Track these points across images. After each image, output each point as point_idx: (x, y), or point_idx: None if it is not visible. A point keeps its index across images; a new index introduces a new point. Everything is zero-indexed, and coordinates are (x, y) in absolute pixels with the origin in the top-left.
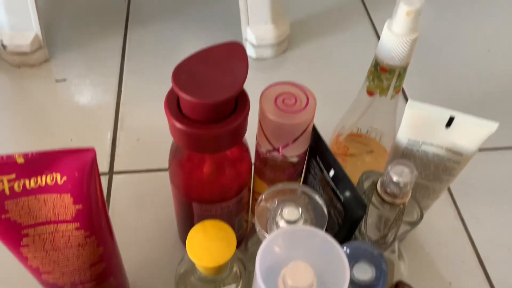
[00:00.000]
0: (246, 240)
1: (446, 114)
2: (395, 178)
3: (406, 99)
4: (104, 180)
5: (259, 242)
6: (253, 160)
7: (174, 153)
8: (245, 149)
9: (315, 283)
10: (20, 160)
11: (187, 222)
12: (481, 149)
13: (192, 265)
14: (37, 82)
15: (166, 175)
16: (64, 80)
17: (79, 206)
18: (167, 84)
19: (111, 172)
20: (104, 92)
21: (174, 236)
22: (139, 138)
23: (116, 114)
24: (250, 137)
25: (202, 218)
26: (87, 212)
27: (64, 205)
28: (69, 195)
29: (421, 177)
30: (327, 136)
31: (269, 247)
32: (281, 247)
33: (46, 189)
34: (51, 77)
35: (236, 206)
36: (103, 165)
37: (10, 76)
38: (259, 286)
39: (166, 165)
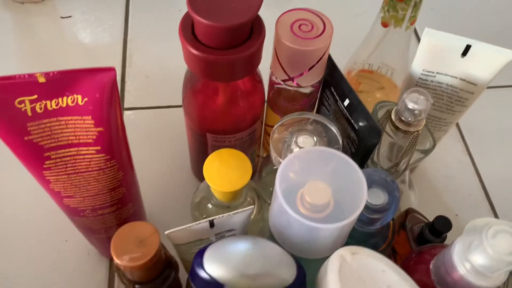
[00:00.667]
0: (260, 170)
1: (463, 42)
2: (410, 105)
3: (418, 39)
4: None
5: (273, 171)
6: (266, 93)
7: (188, 82)
8: (259, 80)
9: (332, 201)
10: (42, 80)
11: (200, 154)
12: (490, 87)
13: (208, 193)
14: (41, 19)
15: (176, 112)
16: (70, 17)
17: (100, 129)
18: (174, 20)
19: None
20: (111, 28)
21: (187, 170)
22: (148, 75)
23: (124, 51)
24: (264, 69)
25: (216, 149)
26: (108, 135)
27: (85, 128)
28: (90, 117)
29: (434, 108)
30: None
31: (290, 165)
32: (299, 169)
33: (67, 111)
34: (55, 13)
35: (249, 138)
36: None
37: (14, 12)
38: (279, 203)
39: (176, 102)
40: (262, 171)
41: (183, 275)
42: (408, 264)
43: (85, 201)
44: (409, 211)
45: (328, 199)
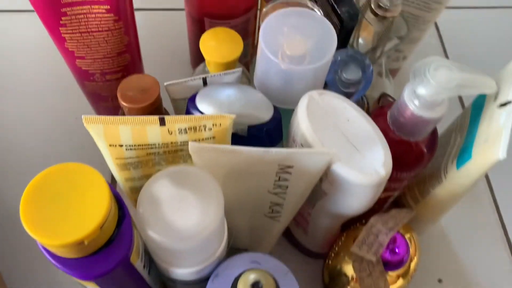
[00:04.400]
0: (252, 58)
1: None
2: None
3: None
4: None
5: None
6: None
7: None
8: None
9: (309, 55)
10: None
11: (198, 42)
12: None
13: (205, 72)
14: None
15: (180, 15)
16: None
17: None
18: None
19: None
20: None
21: (186, 63)
22: None
23: None
24: None
25: None
26: None
27: None
28: None
29: (413, 6)
30: None
31: (271, 22)
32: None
33: None
34: None
35: (243, 27)
36: None
37: None
38: (261, 50)
39: (181, 6)
40: (253, 59)
41: None
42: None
43: (95, 63)
44: (382, 95)
45: (305, 50)
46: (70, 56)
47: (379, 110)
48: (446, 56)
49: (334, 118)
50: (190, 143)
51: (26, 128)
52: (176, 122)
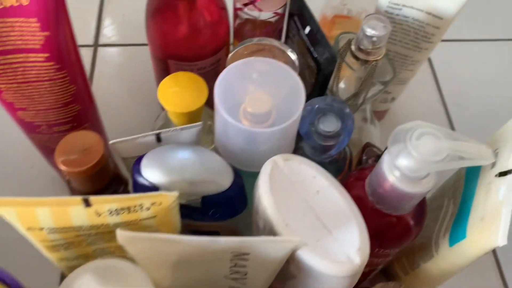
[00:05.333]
0: None
1: None
2: (368, 32)
3: None
4: (89, 52)
5: None
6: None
7: (150, 5)
8: (222, 6)
9: (274, 113)
10: None
11: None
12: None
13: (167, 120)
14: None
15: (146, 50)
16: None
17: (46, 33)
18: None
19: (96, 45)
20: None
21: (154, 102)
22: (125, 13)
23: None
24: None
25: None
26: (56, 41)
27: (31, 31)
28: (36, 19)
29: (401, 45)
30: None
31: (229, 74)
32: (241, 85)
33: (12, 12)
34: None
35: (212, 69)
36: (88, 37)
37: None
38: (219, 112)
39: (145, 41)
40: None
41: None
42: (348, 181)
43: (38, 115)
44: (366, 145)
45: (269, 108)
46: (10, 107)
47: (359, 172)
48: (441, 95)
49: (301, 189)
50: (117, 232)
51: None
52: (105, 202)
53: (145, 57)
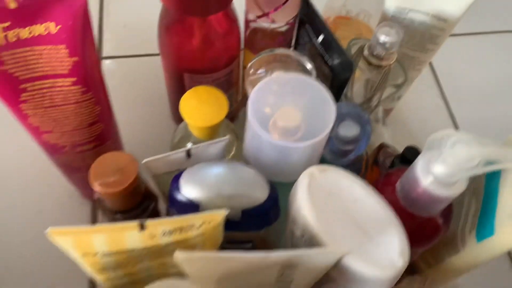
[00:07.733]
0: (237, 110)
1: None
2: (381, 39)
3: None
4: None
5: None
6: (242, 35)
7: (163, 21)
8: (234, 18)
9: (304, 126)
10: (13, 5)
11: (179, 97)
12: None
13: (186, 132)
14: None
15: (154, 60)
16: None
17: (75, 59)
18: None
19: (99, 57)
20: None
21: (166, 116)
22: (126, 24)
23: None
24: (240, 12)
25: None
26: (83, 65)
27: (60, 58)
28: (64, 46)
29: (407, 46)
30: None
31: (263, 90)
32: (272, 101)
33: (41, 40)
34: None
35: (226, 80)
36: None
37: None
38: (252, 126)
39: (154, 51)
40: (239, 112)
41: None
42: (376, 186)
43: (64, 136)
44: (381, 146)
45: (299, 122)
46: (35, 131)
47: (386, 178)
48: (441, 90)
49: (339, 199)
50: (177, 253)
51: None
52: (160, 225)
53: (148, 68)
